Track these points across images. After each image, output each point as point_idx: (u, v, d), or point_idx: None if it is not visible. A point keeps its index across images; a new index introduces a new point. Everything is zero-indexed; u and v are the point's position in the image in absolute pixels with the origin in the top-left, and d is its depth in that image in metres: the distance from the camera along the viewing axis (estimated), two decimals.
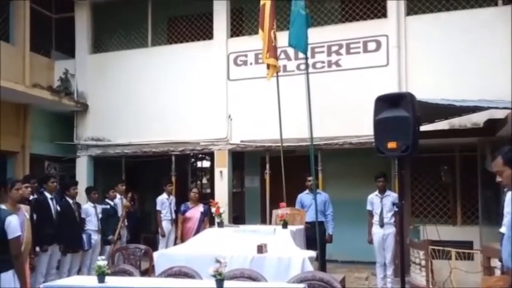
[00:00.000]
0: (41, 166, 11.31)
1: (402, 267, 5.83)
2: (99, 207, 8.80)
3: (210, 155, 12.08)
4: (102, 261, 4.21)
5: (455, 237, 8.38)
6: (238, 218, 11.19)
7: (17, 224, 4.37)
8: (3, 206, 4.50)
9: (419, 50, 9.13)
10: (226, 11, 10.51)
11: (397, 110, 5.51)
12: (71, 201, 8.21)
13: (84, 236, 8.29)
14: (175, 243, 9.05)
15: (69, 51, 11.93)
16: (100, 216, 8.70)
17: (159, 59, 10.95)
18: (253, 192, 11.91)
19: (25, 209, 6.08)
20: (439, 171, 9.55)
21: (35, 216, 7.05)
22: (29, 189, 7.09)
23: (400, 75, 9.14)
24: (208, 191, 13.47)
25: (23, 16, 10.67)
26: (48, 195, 7.80)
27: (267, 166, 10.10)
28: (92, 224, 8.56)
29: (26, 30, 10.70)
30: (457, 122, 8.60)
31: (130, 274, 4.90)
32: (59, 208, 7.89)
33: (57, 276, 7.58)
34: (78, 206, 8.45)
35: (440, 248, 7.15)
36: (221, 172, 10.37)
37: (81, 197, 9.10)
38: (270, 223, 8.44)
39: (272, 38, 8.56)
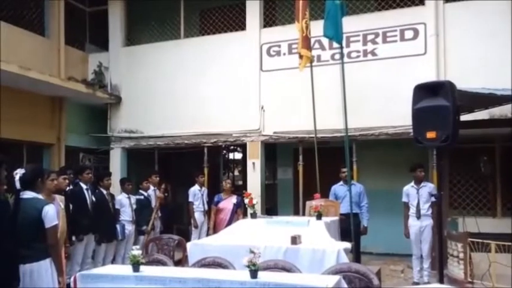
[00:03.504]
0: (76, 158, 11.50)
1: (440, 259, 5.71)
2: (133, 198, 8.87)
3: (242, 147, 12.05)
4: (136, 251, 4.21)
5: (494, 230, 8.11)
6: (270, 209, 11.14)
7: (54, 214, 4.40)
8: (40, 196, 4.52)
9: (458, 37, 8.87)
10: (259, 2, 10.41)
11: (436, 99, 5.38)
12: (104, 192, 8.28)
13: (118, 226, 8.37)
14: (207, 234, 9.07)
15: (103, 44, 12.04)
16: (134, 206, 8.77)
17: (191, 50, 10.94)
18: (286, 184, 11.84)
19: (59, 199, 6.15)
20: (478, 162, 9.29)
21: (71, 206, 7.15)
22: (67, 180, 7.21)
23: (439, 64, 8.90)
24: (240, 182, 13.45)
25: (57, 10, 10.81)
26: (84, 186, 7.89)
27: (300, 157, 9.99)
28: (126, 215, 8.63)
29: (60, 24, 10.84)
30: (497, 111, 8.33)
31: (164, 264, 4.90)
32: (94, 199, 7.98)
33: (92, 265, 7.68)
34: (112, 197, 8.53)
35: (480, 240, 6.93)
36: (254, 164, 10.32)
37: (115, 188, 9.19)
38: (303, 215, 8.37)
39: (303, 28, 8.46)
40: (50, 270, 4.29)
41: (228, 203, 9.00)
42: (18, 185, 4.31)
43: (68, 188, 7.43)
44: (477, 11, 8.82)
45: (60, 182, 6.79)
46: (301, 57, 8.68)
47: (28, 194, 4.36)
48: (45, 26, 10.84)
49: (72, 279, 4.31)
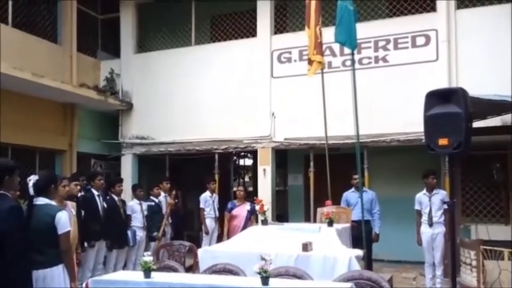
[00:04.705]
0: (88, 164, 11.56)
1: (453, 267, 5.65)
2: (145, 204, 8.87)
3: (253, 153, 12.04)
4: (148, 257, 4.21)
5: (508, 237, 8.04)
6: (281, 216, 11.12)
7: (66, 220, 4.41)
8: (53, 202, 4.54)
9: (470, 44, 8.85)
10: (270, 8, 10.45)
11: (448, 106, 5.33)
12: (116, 198, 8.30)
13: (129, 233, 8.37)
14: (218, 241, 9.06)
15: (114, 51, 12.15)
16: (145, 213, 8.78)
17: (202, 57, 10.99)
18: (297, 191, 11.81)
19: (71, 205, 6.18)
20: (490, 170, 9.22)
21: (82, 213, 7.17)
22: (78, 186, 7.24)
23: (450, 70, 8.89)
24: (251, 189, 13.44)
25: (70, 17, 10.90)
26: (95, 192, 7.91)
27: (311, 164, 9.98)
28: (137, 221, 8.64)
29: (73, 30, 10.93)
30: (510, 118, 8.25)
31: (175, 270, 4.89)
32: (105, 205, 8.00)
33: (103, 271, 7.69)
34: (123, 203, 8.55)
35: (492, 248, 6.87)
36: (264, 170, 10.32)
37: (126, 194, 9.21)
38: (314, 221, 8.34)
39: (318, 34, 8.46)
40: (63, 276, 4.30)
41: (242, 209, 8.99)
42: (31, 191, 4.33)
43: (79, 194, 7.47)
44: (489, 16, 8.80)
45: (72, 188, 6.84)
46: (310, 63, 8.66)
47: (41, 200, 4.37)
48: (58, 33, 10.93)
49: (84, 285, 4.33)
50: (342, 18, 7.70)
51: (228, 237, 8.58)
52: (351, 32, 7.66)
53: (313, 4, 8.50)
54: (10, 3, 9.69)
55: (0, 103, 8.65)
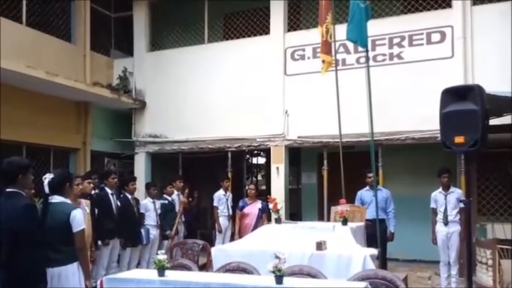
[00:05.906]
0: (101, 162, 11.60)
1: (469, 266, 5.57)
2: (158, 203, 8.89)
3: (266, 151, 12.00)
4: (162, 255, 4.20)
5: None
6: (294, 214, 11.08)
7: (81, 218, 4.43)
8: (68, 201, 4.56)
9: (486, 40, 8.72)
10: (283, 5, 10.39)
11: (465, 103, 5.28)
12: (129, 196, 8.33)
13: (143, 231, 8.40)
14: (231, 239, 9.05)
15: (127, 50, 12.18)
16: (159, 211, 8.79)
17: (215, 55, 10.96)
18: (310, 189, 11.76)
19: (85, 203, 6.20)
20: (506, 167, 9.09)
21: (96, 211, 7.20)
22: (91, 185, 7.27)
23: (466, 67, 8.79)
24: (264, 187, 13.42)
25: (83, 16, 10.94)
26: (109, 191, 7.94)
27: (325, 162, 9.92)
28: (151, 219, 8.66)
29: (86, 29, 10.97)
30: None
31: (188, 269, 4.89)
32: (119, 203, 8.02)
33: (117, 269, 7.72)
34: (137, 201, 8.58)
35: (509, 247, 6.78)
36: (278, 168, 10.28)
37: (139, 192, 9.23)
38: (328, 220, 8.30)
39: (324, 32, 8.41)
40: (78, 273, 4.32)
41: (253, 208, 8.97)
42: (46, 189, 4.34)
43: (93, 193, 7.50)
44: (505, 13, 8.64)
45: (85, 186, 6.88)
46: (324, 61, 8.63)
47: (56, 199, 4.39)
48: (72, 31, 10.97)
49: (98, 282, 4.33)
50: (353, 16, 7.66)
51: (240, 235, 8.58)
52: (362, 29, 7.61)
53: (323, 3, 8.48)
54: (24, 2, 9.74)
55: (12, 101, 8.71)
